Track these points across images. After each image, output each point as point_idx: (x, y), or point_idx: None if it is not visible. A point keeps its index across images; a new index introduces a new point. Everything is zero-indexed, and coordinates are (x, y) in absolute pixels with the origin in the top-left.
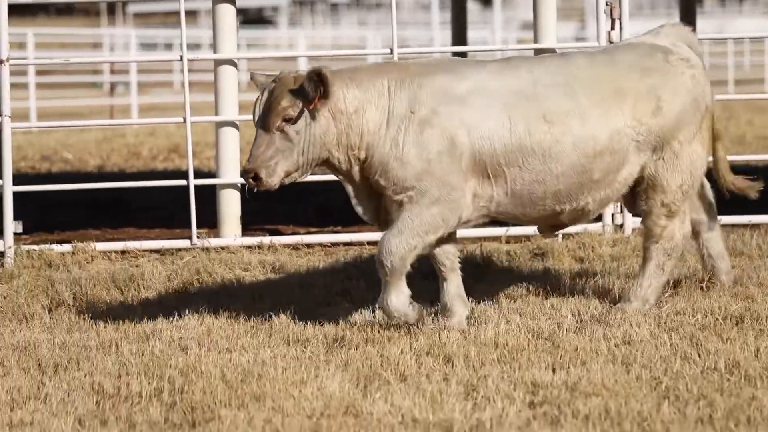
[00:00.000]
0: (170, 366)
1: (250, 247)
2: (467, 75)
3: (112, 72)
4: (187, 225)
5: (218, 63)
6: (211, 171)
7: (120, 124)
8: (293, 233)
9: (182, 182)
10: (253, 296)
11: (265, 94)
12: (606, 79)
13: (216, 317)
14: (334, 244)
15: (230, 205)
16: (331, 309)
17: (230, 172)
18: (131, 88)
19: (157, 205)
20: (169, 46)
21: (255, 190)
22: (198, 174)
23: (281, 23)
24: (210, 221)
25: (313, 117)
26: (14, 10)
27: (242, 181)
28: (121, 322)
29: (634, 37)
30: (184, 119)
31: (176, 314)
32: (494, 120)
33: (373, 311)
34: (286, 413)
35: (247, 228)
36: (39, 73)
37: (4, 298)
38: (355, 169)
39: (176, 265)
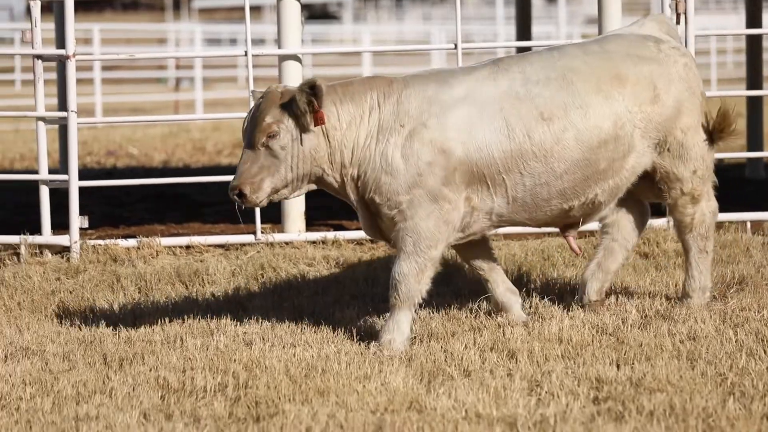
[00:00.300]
0: (234, 361)
1: (314, 242)
2: (456, 84)
3: (177, 67)
4: (252, 220)
5: (282, 58)
6: None
7: (185, 120)
8: (357, 228)
9: None
10: (317, 291)
11: (253, 110)
12: (603, 67)
13: (280, 312)
14: None
15: (294, 201)
16: None
17: None
18: (196, 83)
19: (222, 200)
20: (233, 42)
21: (243, 207)
22: None
23: (346, 18)
24: (274, 217)
25: (300, 132)
26: (80, 6)
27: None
28: (185, 316)
29: (619, 29)
30: None
31: (240, 309)
32: (490, 127)
33: (437, 307)
34: (349, 408)
35: (311, 223)
36: (105, 68)
37: (70, 292)
38: (350, 188)
39: (240, 260)
